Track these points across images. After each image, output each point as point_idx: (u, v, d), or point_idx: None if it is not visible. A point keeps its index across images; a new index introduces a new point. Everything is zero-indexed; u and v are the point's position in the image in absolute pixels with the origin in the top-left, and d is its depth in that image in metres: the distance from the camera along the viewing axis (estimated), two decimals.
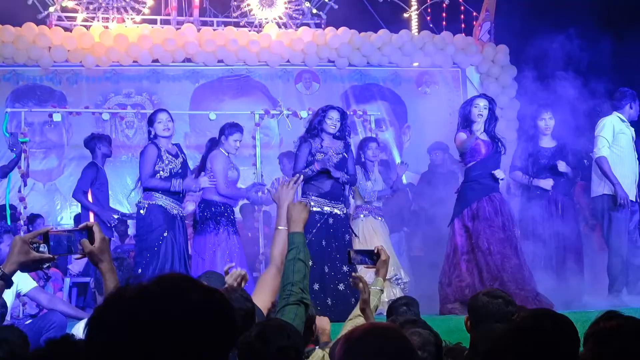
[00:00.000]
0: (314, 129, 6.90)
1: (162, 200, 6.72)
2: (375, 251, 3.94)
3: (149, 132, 6.92)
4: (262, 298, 3.29)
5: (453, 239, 6.85)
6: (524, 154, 7.46)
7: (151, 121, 6.90)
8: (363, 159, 7.79)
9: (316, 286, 6.40)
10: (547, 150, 7.39)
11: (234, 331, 1.35)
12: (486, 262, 6.60)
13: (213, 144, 7.49)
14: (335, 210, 6.80)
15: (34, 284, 5.59)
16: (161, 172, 6.72)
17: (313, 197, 6.74)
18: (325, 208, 6.76)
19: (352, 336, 1.86)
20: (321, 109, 7.02)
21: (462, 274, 6.68)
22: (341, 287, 6.54)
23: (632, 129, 7.25)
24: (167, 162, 6.76)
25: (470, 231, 6.75)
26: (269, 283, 3.48)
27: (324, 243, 6.65)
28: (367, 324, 2.00)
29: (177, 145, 7.06)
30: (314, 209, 6.55)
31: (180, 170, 6.83)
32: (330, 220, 6.74)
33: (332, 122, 6.86)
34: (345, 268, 6.51)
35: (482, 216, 6.73)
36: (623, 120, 7.18)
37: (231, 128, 7.33)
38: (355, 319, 3.63)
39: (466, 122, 6.96)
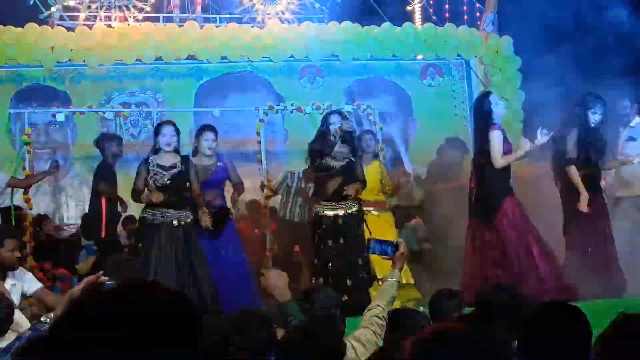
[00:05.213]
0: None
1: None
2: (395, 243, 3.94)
3: None
4: None
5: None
6: None
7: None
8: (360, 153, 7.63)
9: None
10: None
11: (196, 329, 1.38)
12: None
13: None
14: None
15: (39, 284, 5.54)
16: None
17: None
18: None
19: (424, 339, 1.83)
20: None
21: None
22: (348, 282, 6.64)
23: None
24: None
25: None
26: None
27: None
28: (438, 327, 1.94)
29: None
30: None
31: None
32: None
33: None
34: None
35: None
36: None
37: (200, 129, 7.25)
38: (374, 309, 3.68)
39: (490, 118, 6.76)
